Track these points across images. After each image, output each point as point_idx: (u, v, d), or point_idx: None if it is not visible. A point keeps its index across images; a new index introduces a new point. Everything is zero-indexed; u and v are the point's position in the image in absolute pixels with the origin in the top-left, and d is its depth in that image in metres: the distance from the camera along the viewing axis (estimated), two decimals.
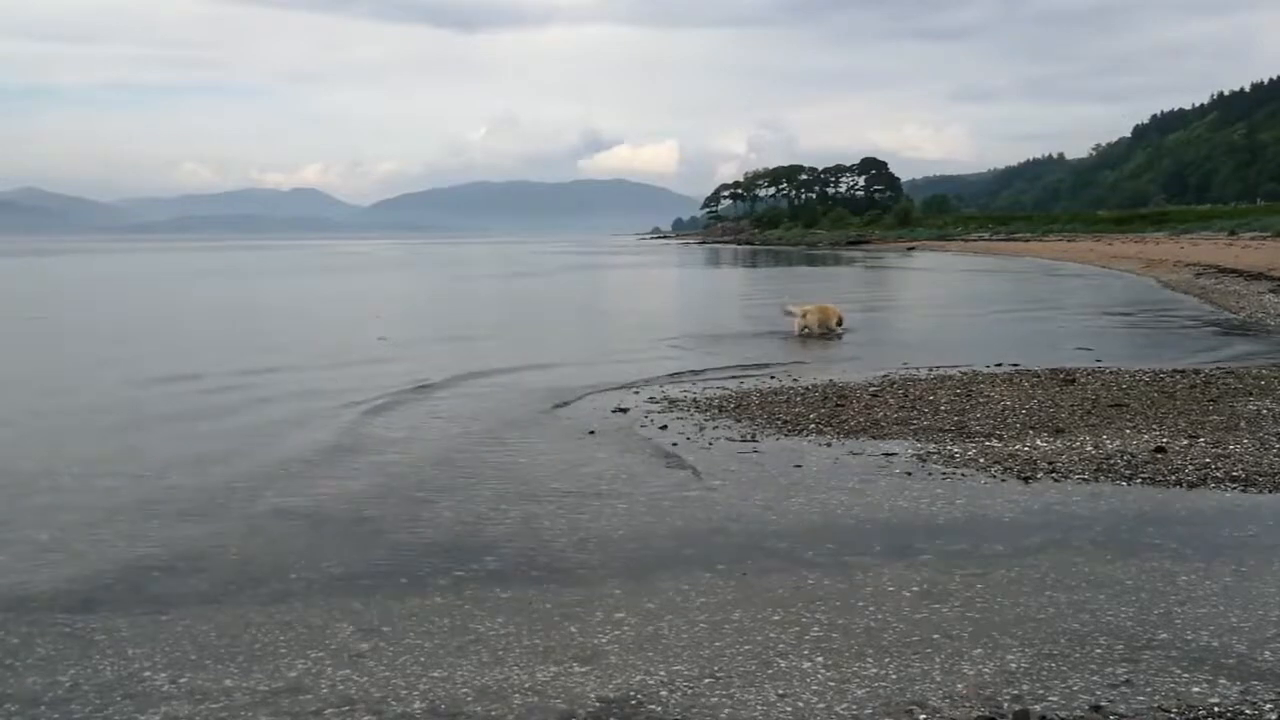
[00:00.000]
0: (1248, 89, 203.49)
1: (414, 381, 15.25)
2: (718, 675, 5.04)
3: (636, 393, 13.84)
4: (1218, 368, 14.87)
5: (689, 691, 4.86)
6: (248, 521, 8.06)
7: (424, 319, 29.66)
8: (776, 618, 5.78)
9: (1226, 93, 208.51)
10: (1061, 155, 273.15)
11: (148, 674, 5.19)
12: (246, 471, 9.75)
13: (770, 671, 5.07)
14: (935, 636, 5.46)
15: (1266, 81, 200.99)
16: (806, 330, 20.93)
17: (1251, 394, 12.51)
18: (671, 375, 15.55)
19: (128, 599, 6.30)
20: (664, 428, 11.35)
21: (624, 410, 12.49)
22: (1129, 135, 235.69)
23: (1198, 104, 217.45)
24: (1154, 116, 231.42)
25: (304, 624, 5.84)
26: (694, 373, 15.77)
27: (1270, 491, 8.28)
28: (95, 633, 5.74)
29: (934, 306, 30.28)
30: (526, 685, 4.97)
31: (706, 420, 11.76)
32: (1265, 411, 11.38)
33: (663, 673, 5.07)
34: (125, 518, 8.14)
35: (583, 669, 5.15)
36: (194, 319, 30.54)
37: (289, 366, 17.42)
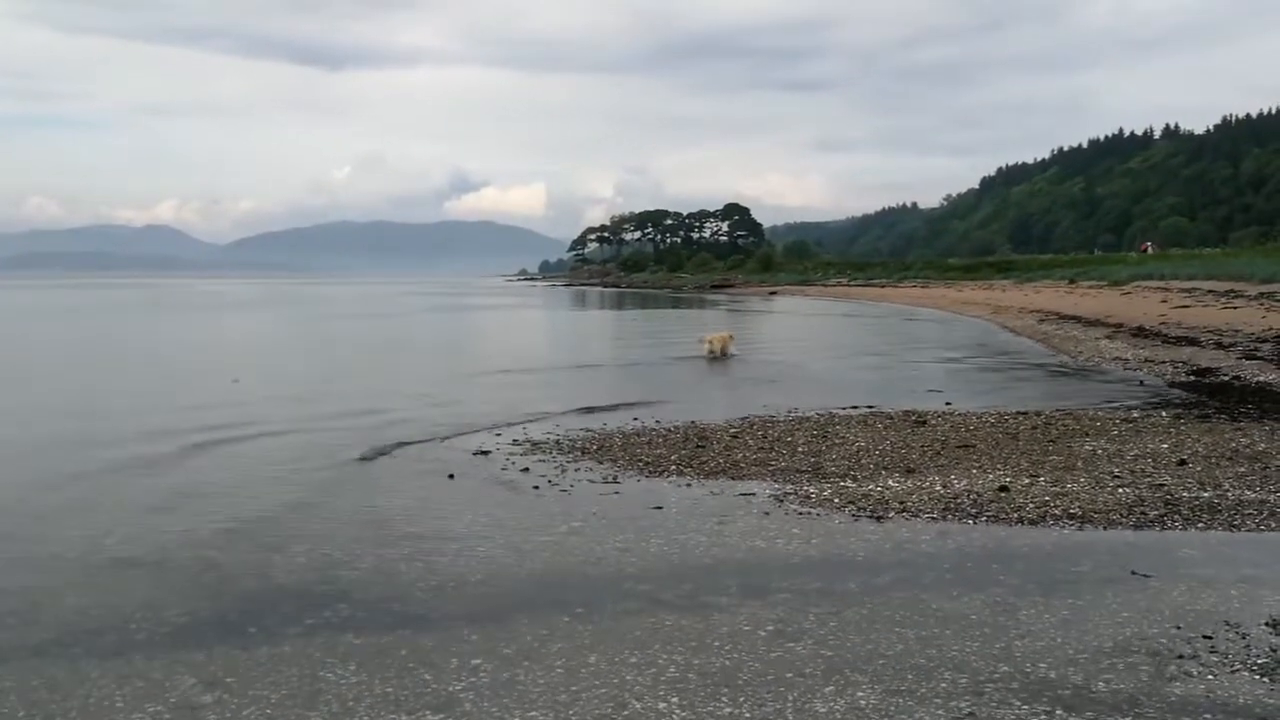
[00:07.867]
0: (1085, 145, 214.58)
1: (269, 423, 14.85)
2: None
3: (499, 435, 13.73)
4: (1057, 410, 15.54)
5: None
6: (86, 571, 7.71)
7: (280, 362, 28.89)
8: (634, 659, 5.78)
9: (1066, 148, 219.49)
10: (915, 204, 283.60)
11: None
12: (85, 518, 9.32)
13: (626, 713, 5.07)
14: (789, 675, 5.54)
15: (1103, 138, 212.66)
16: (713, 353, 25.19)
17: (1088, 435, 13.11)
18: (536, 416, 15.46)
19: None
20: (526, 470, 11.29)
21: (485, 453, 12.39)
22: (977, 186, 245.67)
23: (1040, 158, 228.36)
24: (1000, 169, 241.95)
25: (143, 677, 5.59)
26: (559, 413, 15.71)
27: (1104, 529, 8.68)
28: None
29: (793, 350, 30.89)
30: None
31: (569, 462, 11.74)
32: (1100, 451, 11.94)
33: (517, 719, 5.01)
34: None
35: (436, 717, 5.05)
36: (34, 358, 29.13)
37: (134, 410, 16.77)
